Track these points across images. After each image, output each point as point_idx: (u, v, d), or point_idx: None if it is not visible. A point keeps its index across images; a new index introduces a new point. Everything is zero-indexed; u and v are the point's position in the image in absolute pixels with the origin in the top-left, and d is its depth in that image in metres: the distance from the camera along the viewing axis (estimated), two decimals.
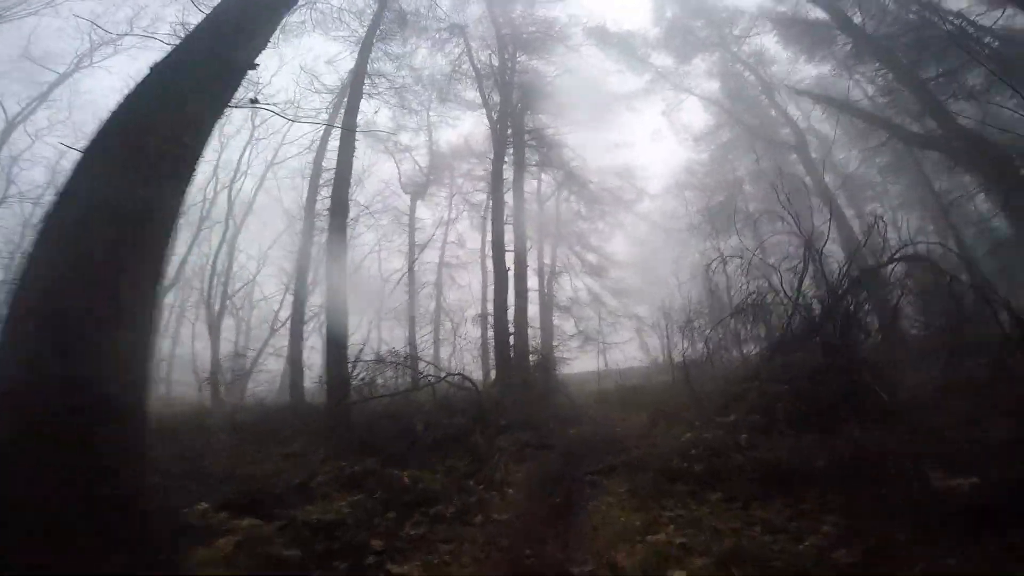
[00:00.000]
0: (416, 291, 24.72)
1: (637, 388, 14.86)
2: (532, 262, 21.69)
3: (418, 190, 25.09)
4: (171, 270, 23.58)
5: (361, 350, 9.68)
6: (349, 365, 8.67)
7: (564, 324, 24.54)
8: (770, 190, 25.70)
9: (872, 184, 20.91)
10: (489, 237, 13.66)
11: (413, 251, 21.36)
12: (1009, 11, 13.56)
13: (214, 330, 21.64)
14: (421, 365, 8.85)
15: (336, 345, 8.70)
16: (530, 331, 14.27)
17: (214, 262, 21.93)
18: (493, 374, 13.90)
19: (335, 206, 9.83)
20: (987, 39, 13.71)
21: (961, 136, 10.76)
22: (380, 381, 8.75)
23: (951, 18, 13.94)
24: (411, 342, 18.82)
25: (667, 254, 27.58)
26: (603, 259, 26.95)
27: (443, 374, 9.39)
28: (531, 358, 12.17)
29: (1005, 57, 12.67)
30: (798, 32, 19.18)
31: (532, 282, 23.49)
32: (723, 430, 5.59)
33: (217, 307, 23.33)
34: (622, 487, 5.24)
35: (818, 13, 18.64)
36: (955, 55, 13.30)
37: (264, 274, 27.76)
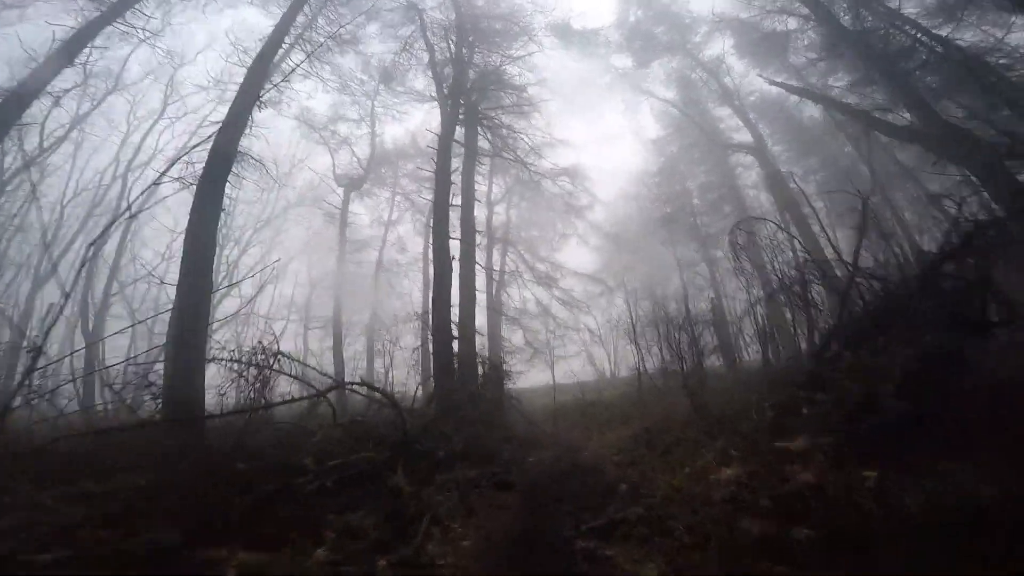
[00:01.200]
0: (346, 295, 21.56)
1: (597, 402, 12.77)
2: (481, 279, 19.44)
3: (354, 183, 22.14)
4: None
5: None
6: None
7: (512, 336, 22.40)
8: (719, 200, 25.33)
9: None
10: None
11: (344, 247, 18.29)
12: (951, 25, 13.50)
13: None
14: (313, 373, 6.13)
15: (186, 345, 5.87)
16: (478, 339, 11.86)
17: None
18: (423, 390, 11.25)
19: (214, 158, 7.03)
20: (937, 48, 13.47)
21: (946, 129, 9.88)
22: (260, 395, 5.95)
23: (907, 27, 13.64)
24: (336, 351, 15.69)
25: (619, 263, 26.28)
26: (553, 268, 25.17)
27: (337, 384, 6.70)
28: (479, 368, 9.72)
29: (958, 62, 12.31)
30: (755, 40, 18.79)
31: (480, 285, 21.12)
32: (792, 461, 3.47)
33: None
34: (649, 566, 2.92)
35: (774, 24, 18.45)
36: (917, 57, 12.93)
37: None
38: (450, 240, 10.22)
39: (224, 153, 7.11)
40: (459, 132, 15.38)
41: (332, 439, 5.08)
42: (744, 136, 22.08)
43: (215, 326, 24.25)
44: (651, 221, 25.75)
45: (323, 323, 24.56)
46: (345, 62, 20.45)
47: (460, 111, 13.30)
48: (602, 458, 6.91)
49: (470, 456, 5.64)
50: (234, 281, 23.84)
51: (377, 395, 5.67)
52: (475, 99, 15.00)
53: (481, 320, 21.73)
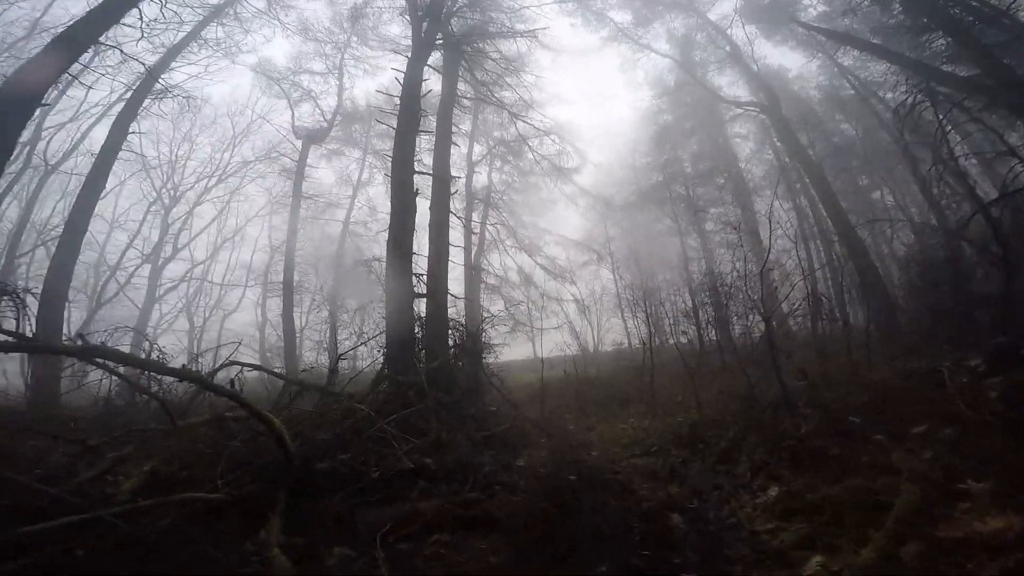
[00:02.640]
0: (308, 259, 18.84)
1: (592, 379, 10.70)
2: (458, 233, 16.96)
3: (314, 136, 19.13)
4: None
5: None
6: None
7: (491, 306, 20.17)
8: (712, 171, 23.33)
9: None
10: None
11: (298, 203, 15.49)
12: None
13: None
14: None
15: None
16: (452, 305, 9.55)
17: None
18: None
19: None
20: None
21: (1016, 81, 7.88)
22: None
23: None
24: (285, 318, 13.15)
25: (605, 231, 24.16)
26: (537, 234, 22.92)
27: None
28: (450, 336, 7.43)
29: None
30: (763, 6, 16.50)
31: (456, 257, 18.81)
32: None
33: None
34: None
35: None
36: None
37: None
38: (416, 175, 7.75)
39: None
40: (435, 64, 12.72)
41: (168, 453, 2.79)
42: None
43: (160, 291, 21.23)
44: (642, 189, 23.66)
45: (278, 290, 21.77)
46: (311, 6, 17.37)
47: (437, 36, 10.62)
48: (620, 462, 4.80)
49: (426, 471, 3.45)
50: (181, 244, 20.80)
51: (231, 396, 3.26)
52: (456, 29, 12.29)
53: (457, 287, 19.51)
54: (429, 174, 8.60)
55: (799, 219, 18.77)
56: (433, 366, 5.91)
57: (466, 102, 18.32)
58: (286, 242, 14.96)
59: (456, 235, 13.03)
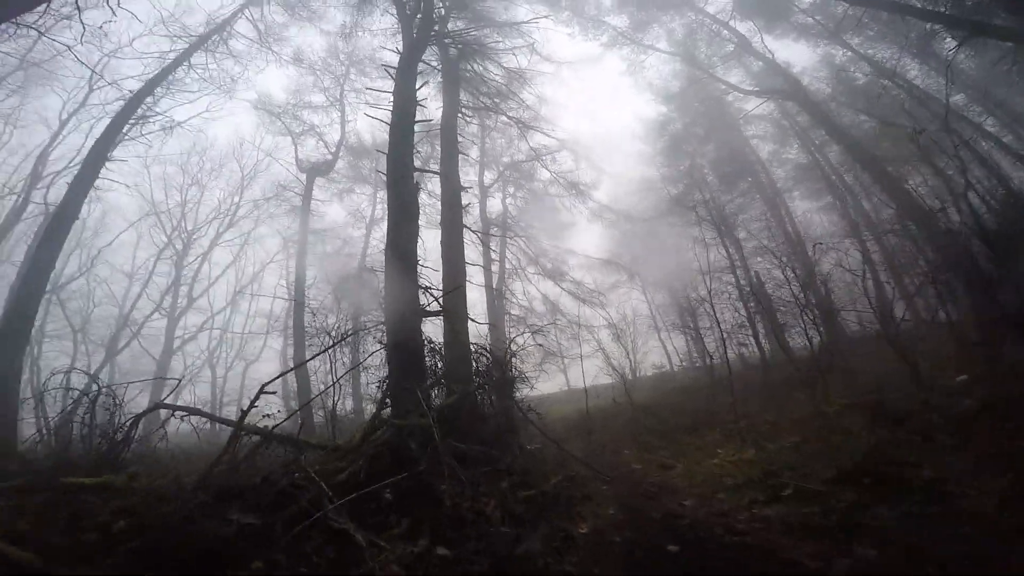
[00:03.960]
0: (320, 304, 17.80)
1: (651, 405, 8.95)
2: (475, 254, 15.73)
3: (318, 168, 18.57)
4: None
5: None
6: None
7: (518, 339, 18.52)
8: (734, 175, 21.78)
9: None
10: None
11: (305, 237, 14.60)
12: None
13: None
14: None
15: None
16: (476, 329, 8.09)
17: None
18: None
19: None
20: None
21: None
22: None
23: None
24: (297, 363, 11.89)
25: (631, 250, 22.56)
26: (560, 259, 21.48)
27: None
28: (475, 361, 5.92)
29: None
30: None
31: (476, 277, 17.52)
32: None
33: None
34: None
35: None
36: None
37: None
38: (412, 172, 6.49)
39: None
40: (434, 81, 11.93)
41: None
42: (753, 105, 18.69)
43: (176, 343, 20.47)
44: (664, 201, 22.19)
45: (311, 334, 20.73)
46: (306, 40, 17.28)
47: (431, 33, 9.77)
48: (735, 514, 3.13)
49: (432, 560, 1.94)
50: (196, 295, 20.19)
51: None
52: (449, 29, 11.47)
53: (479, 309, 18.08)
54: (431, 171, 7.40)
55: (843, 210, 16.81)
56: (451, 402, 4.39)
57: (472, 128, 17.60)
58: (295, 281, 13.95)
59: (474, 257, 11.76)
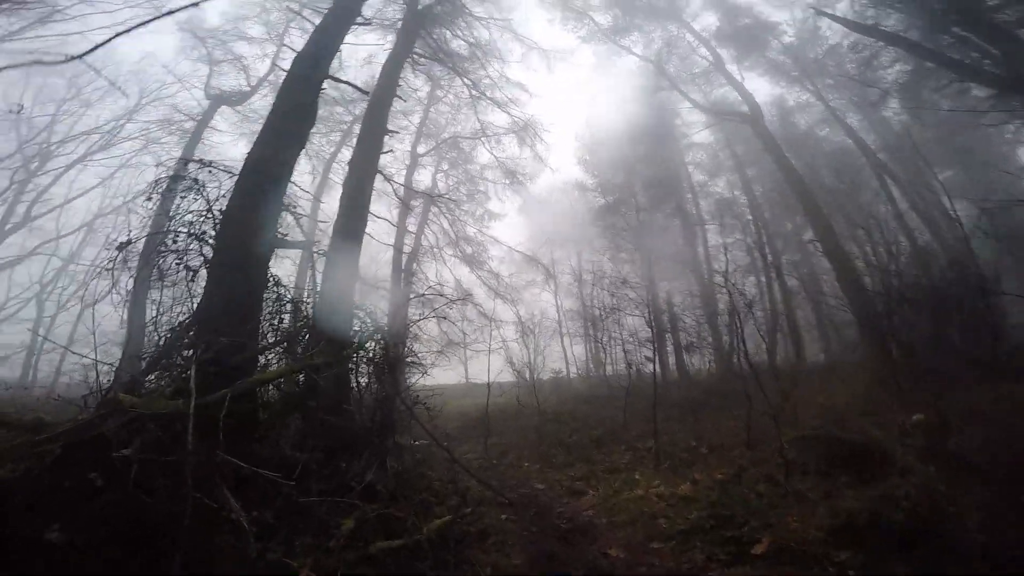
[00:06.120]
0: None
1: (562, 413, 8.03)
2: (386, 233, 13.89)
3: (226, 96, 15.36)
4: None
5: None
6: None
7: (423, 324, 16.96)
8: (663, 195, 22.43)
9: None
10: None
11: (183, 168, 11.56)
12: None
13: None
14: None
15: None
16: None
17: None
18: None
19: None
20: None
21: None
22: None
23: None
24: (132, 308, 9.15)
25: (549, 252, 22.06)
26: (482, 246, 20.21)
27: None
28: (348, 330, 4.35)
29: None
30: (739, 29, 15.99)
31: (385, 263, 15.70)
32: None
33: None
34: None
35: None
36: None
37: None
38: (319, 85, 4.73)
39: None
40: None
41: None
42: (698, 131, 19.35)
43: None
44: (591, 210, 22.06)
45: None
46: None
47: None
48: None
49: None
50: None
51: None
52: None
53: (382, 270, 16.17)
54: (355, 86, 5.68)
55: (757, 248, 17.72)
56: (281, 371, 2.84)
57: (421, 95, 15.72)
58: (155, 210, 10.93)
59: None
